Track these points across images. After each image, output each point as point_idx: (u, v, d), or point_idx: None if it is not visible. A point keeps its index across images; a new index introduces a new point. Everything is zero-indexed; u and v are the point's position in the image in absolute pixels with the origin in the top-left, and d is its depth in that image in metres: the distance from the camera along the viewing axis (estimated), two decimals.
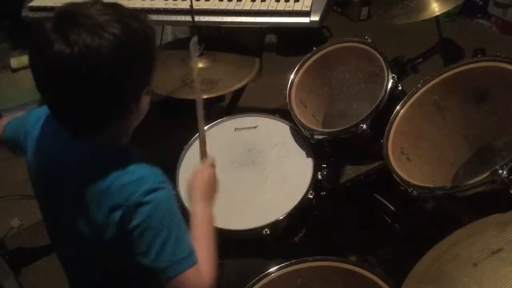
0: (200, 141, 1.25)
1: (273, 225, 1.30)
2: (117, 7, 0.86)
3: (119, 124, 0.91)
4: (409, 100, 1.37)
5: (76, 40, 0.77)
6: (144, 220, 0.86)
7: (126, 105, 0.88)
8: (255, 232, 1.30)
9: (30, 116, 1.04)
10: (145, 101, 0.94)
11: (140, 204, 0.86)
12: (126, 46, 0.81)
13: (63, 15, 0.82)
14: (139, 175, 0.89)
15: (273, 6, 1.69)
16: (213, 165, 1.16)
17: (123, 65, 0.82)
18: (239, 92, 2.25)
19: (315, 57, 1.64)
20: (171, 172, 1.51)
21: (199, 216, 1.03)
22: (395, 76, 1.42)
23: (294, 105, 1.56)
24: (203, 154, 1.23)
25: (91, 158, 0.92)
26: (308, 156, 1.48)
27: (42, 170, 0.99)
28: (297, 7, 1.66)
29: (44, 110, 1.00)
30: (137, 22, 0.85)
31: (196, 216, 1.03)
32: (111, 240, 0.90)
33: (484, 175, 1.03)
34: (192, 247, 0.92)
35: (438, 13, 1.51)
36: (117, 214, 0.87)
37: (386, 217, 1.70)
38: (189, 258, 0.90)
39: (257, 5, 1.70)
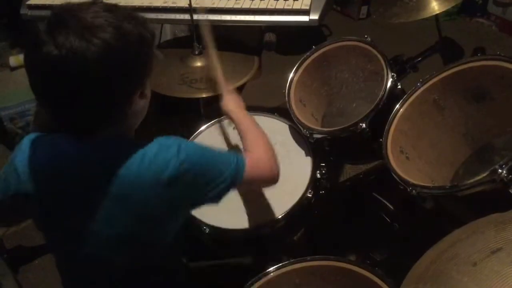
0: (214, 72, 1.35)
1: (272, 224, 1.30)
2: (115, 9, 0.85)
3: (115, 125, 0.91)
4: (408, 99, 1.36)
5: (63, 42, 0.78)
6: (192, 172, 0.92)
7: (117, 107, 0.89)
8: (254, 231, 1.30)
9: (13, 161, 0.98)
10: (140, 104, 0.94)
11: (180, 165, 0.90)
12: (114, 50, 0.81)
13: (56, 16, 0.82)
14: (159, 144, 0.92)
15: (272, 4, 1.68)
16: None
17: (110, 69, 0.82)
18: (238, 91, 2.25)
19: (314, 55, 1.64)
20: None
21: (244, 120, 1.24)
22: (395, 75, 1.42)
23: (293, 104, 1.56)
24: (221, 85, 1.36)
25: (106, 152, 0.92)
26: (307, 155, 1.48)
27: (51, 187, 0.95)
28: (296, 5, 1.66)
29: (22, 147, 0.98)
30: (133, 25, 0.85)
31: (242, 121, 1.24)
32: (163, 212, 0.94)
33: (484, 175, 1.03)
34: (234, 153, 1.02)
35: (437, 12, 1.51)
36: (164, 184, 0.89)
37: (385, 217, 1.70)
38: (241, 160, 1.01)
39: (256, 4, 1.70)
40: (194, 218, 1.32)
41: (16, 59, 2.45)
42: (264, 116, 1.64)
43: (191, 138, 1.58)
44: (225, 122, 1.64)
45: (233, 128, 1.61)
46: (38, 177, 0.96)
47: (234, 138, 1.58)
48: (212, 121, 1.64)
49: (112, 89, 0.85)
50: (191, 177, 0.92)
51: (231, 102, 1.31)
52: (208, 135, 1.61)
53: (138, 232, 0.95)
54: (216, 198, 0.99)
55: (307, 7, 1.64)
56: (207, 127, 1.63)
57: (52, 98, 0.86)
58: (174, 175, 0.89)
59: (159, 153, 0.90)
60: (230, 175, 0.98)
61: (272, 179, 1.10)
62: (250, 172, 1.01)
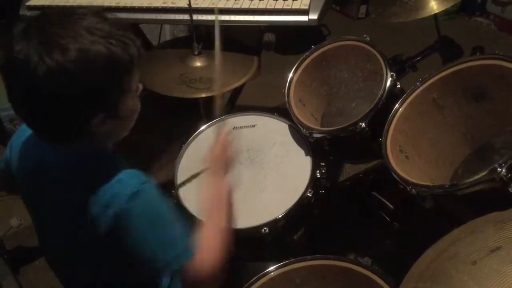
0: (217, 94, 1.21)
1: (272, 224, 1.30)
2: (99, 27, 0.81)
3: (80, 141, 0.88)
4: (407, 98, 1.36)
5: (22, 50, 0.77)
6: (130, 226, 0.85)
7: (71, 126, 0.85)
8: (254, 231, 1.30)
9: (14, 136, 1.03)
10: (111, 125, 0.88)
11: (124, 210, 0.85)
12: (68, 73, 0.77)
13: (30, 23, 0.81)
14: (118, 178, 0.87)
15: (271, 4, 1.68)
16: (226, 134, 1.13)
17: (60, 90, 0.78)
18: (237, 90, 2.25)
19: (313, 55, 1.64)
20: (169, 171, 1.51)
21: (211, 204, 1.01)
22: (394, 75, 1.42)
23: (292, 103, 1.56)
24: (220, 110, 1.21)
25: (70, 165, 0.91)
26: (306, 154, 1.48)
27: (28, 179, 0.99)
28: (296, 5, 1.66)
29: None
30: (106, 48, 0.80)
31: (208, 202, 1.01)
32: (100, 241, 0.90)
33: (483, 174, 1.03)
34: (186, 241, 0.90)
35: (436, 11, 1.51)
36: (102, 219, 0.86)
37: (385, 216, 1.70)
38: (185, 254, 0.88)
39: (256, 4, 1.70)
40: (194, 218, 1.32)
41: None
42: (264, 115, 1.64)
43: (190, 139, 1.58)
44: (225, 121, 1.64)
45: (233, 128, 1.62)
46: (19, 164, 1.00)
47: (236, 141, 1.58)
48: (212, 121, 1.65)
49: (63, 108, 0.81)
50: (123, 233, 0.86)
51: (211, 161, 1.07)
52: (208, 136, 1.61)
53: (84, 247, 0.95)
54: (138, 268, 0.91)
55: (306, 7, 1.64)
56: (207, 127, 1.63)
57: (11, 100, 0.84)
58: (112, 218, 0.85)
59: (117, 185, 0.86)
60: (165, 258, 0.87)
61: (206, 282, 0.92)
62: (190, 270, 0.88)
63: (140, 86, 0.92)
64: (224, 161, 1.08)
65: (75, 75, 0.77)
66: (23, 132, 1.00)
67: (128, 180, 0.88)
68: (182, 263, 0.87)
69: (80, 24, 0.79)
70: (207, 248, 0.91)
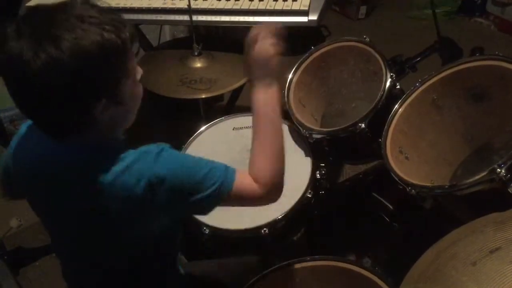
0: None
1: (272, 225, 1.30)
2: (89, 16, 0.80)
3: (87, 131, 0.88)
4: (407, 99, 1.37)
5: (14, 48, 0.77)
6: (168, 185, 0.87)
7: (72, 116, 0.85)
8: (253, 232, 1.30)
9: (14, 137, 1.03)
10: (115, 112, 0.88)
11: (154, 177, 0.86)
12: (62, 66, 0.77)
13: (23, 18, 0.81)
14: (139, 153, 0.88)
15: (271, 5, 1.69)
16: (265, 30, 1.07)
17: (57, 81, 0.78)
18: (237, 91, 2.25)
19: (313, 56, 1.64)
20: None
21: (261, 109, 1.01)
22: (394, 75, 1.42)
23: (292, 104, 1.56)
24: None
25: (78, 158, 0.90)
26: (306, 155, 1.48)
27: (31, 179, 0.97)
28: (295, 6, 1.66)
29: (20, 131, 1.00)
30: (100, 36, 0.79)
31: (259, 109, 1.01)
32: (133, 220, 0.91)
33: (482, 174, 1.04)
34: (222, 166, 0.94)
35: None
36: (136, 196, 0.86)
37: (385, 216, 1.70)
38: (228, 176, 0.92)
39: (255, 4, 1.70)
40: (194, 219, 1.32)
41: None
42: None
43: (190, 139, 1.58)
44: (226, 121, 1.65)
45: (233, 129, 1.62)
46: (19, 169, 0.99)
47: (233, 139, 1.58)
48: (212, 122, 1.65)
49: (63, 99, 0.81)
50: (166, 190, 0.88)
51: (261, 68, 1.06)
52: (208, 136, 1.61)
53: (106, 234, 0.95)
54: (199, 211, 0.95)
55: (306, 8, 1.65)
56: (207, 128, 1.63)
57: (13, 98, 0.84)
58: (147, 188, 0.86)
59: (135, 164, 0.87)
60: (214, 189, 0.90)
61: (264, 199, 0.98)
62: (239, 190, 0.93)
63: (139, 70, 0.93)
64: (269, 62, 1.06)
65: (71, 66, 0.77)
66: (21, 134, 0.99)
67: (148, 148, 0.89)
68: (231, 184, 0.92)
69: (70, 13, 0.80)
70: (261, 168, 0.97)
